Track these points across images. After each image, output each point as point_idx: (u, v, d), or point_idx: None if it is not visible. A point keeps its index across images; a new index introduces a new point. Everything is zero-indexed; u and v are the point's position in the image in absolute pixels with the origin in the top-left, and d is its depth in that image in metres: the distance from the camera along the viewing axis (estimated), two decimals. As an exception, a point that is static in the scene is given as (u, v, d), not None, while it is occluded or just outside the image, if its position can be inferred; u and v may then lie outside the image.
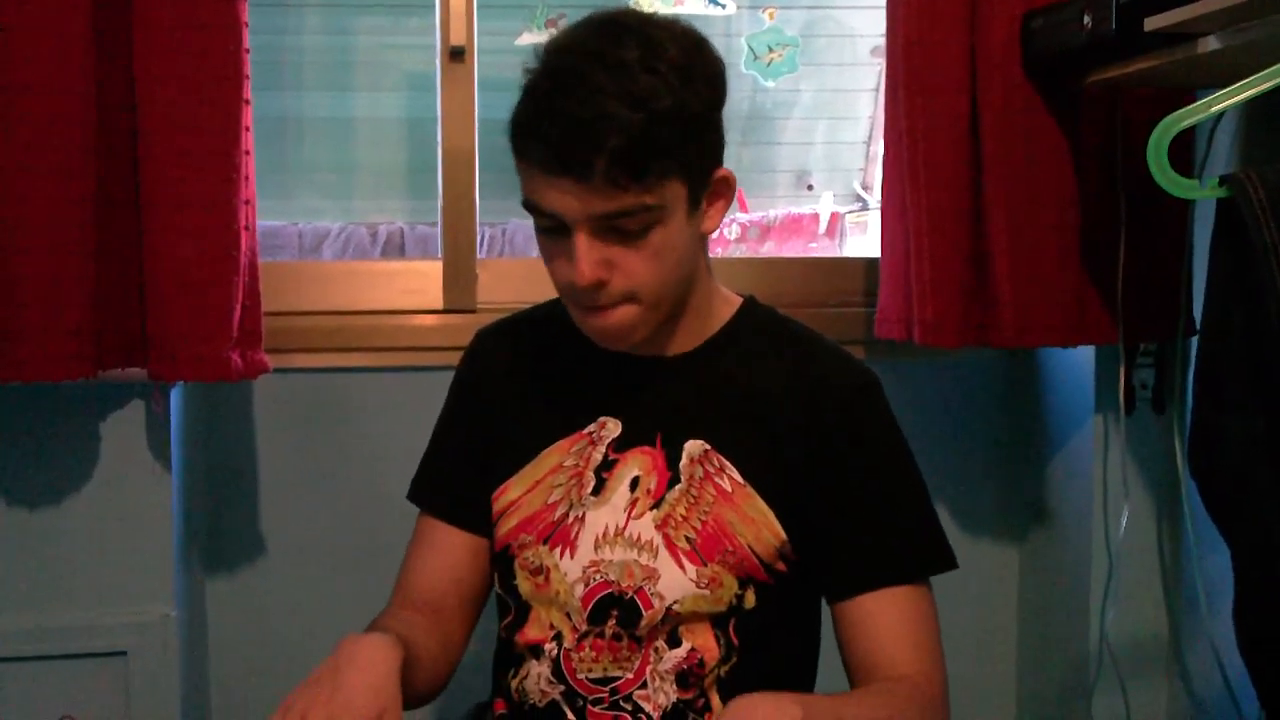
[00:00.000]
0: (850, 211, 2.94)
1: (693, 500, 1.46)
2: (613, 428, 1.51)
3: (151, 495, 2.07)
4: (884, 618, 1.45)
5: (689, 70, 1.35)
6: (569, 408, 1.53)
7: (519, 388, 1.58)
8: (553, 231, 1.37)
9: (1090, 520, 2.19)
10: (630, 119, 1.29)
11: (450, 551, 1.58)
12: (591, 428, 1.52)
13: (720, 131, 1.43)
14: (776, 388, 1.50)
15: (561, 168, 1.31)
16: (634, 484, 1.48)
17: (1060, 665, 2.31)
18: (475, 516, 1.57)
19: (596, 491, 1.49)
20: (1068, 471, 2.28)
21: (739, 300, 1.57)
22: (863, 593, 1.45)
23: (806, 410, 1.48)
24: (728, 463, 1.47)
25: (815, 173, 3.13)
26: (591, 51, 1.33)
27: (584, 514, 1.48)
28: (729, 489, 1.46)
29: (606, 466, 1.50)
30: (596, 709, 1.47)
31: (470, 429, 1.60)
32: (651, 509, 1.47)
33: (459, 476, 1.59)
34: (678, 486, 1.47)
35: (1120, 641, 2.16)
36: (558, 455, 1.52)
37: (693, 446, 1.48)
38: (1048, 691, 2.37)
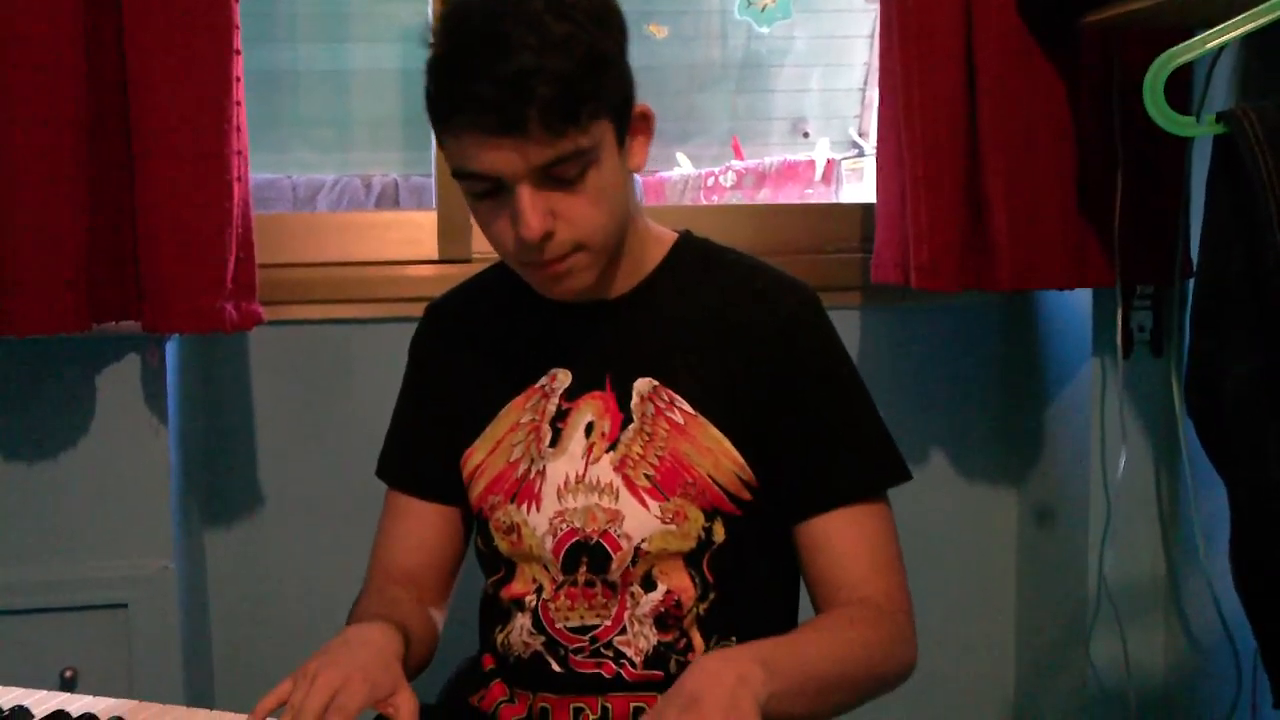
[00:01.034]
0: (846, 158, 2.93)
1: (647, 437, 1.46)
2: (563, 378, 1.51)
3: (148, 448, 2.07)
4: (841, 538, 1.45)
5: (597, 12, 1.36)
6: (520, 365, 1.54)
7: (472, 354, 1.58)
8: (489, 194, 1.37)
9: (1088, 463, 2.19)
10: (555, 67, 1.29)
11: (422, 524, 1.59)
12: (543, 381, 1.52)
13: (627, 65, 1.43)
14: (717, 316, 1.50)
15: (496, 127, 1.30)
16: (589, 429, 1.48)
17: (1058, 607, 2.32)
18: (443, 487, 1.58)
19: (554, 443, 1.49)
20: (1065, 415, 2.28)
21: (673, 236, 1.57)
22: (817, 514, 1.46)
23: (748, 333, 1.48)
24: (677, 396, 1.47)
25: (811, 119, 3.11)
26: (497, 10, 1.32)
27: (544, 467, 1.49)
28: (681, 421, 1.46)
29: (560, 417, 1.50)
30: (579, 658, 1.48)
31: (430, 401, 1.61)
32: (608, 451, 1.47)
33: (423, 450, 1.60)
34: (631, 426, 1.47)
35: (1118, 583, 2.16)
36: (514, 413, 1.53)
37: (641, 384, 1.48)
38: (1046, 633, 2.38)
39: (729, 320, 1.49)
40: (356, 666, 1.28)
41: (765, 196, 2.90)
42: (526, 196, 1.34)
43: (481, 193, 1.37)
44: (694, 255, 1.56)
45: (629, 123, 1.41)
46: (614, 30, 1.39)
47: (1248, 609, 1.58)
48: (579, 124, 1.31)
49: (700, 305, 1.51)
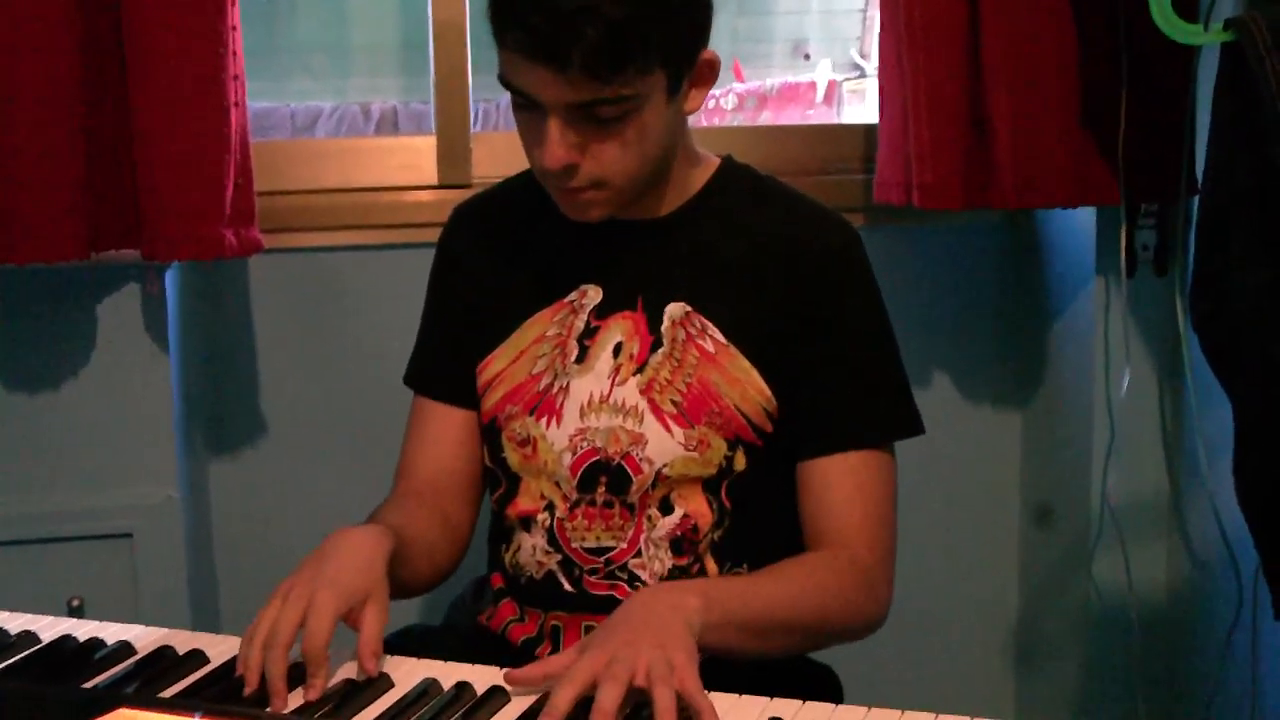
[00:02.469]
0: (848, 79, 2.90)
1: (676, 363, 1.45)
2: (594, 295, 1.50)
3: (150, 377, 2.07)
4: (836, 483, 1.45)
5: None
6: (549, 277, 1.52)
7: (499, 260, 1.57)
8: (528, 109, 1.36)
9: (1091, 383, 2.19)
10: (613, 13, 1.26)
11: (448, 431, 1.58)
12: (573, 296, 1.51)
13: (709, 11, 1.40)
14: (756, 246, 1.48)
15: (539, 56, 1.28)
16: (617, 350, 1.47)
17: (1062, 527, 2.33)
18: (470, 394, 1.56)
19: (580, 359, 1.48)
20: (1069, 335, 2.28)
21: (717, 161, 1.55)
22: (819, 455, 1.45)
23: (786, 268, 1.46)
24: (709, 323, 1.46)
25: (812, 41, 3.08)
26: None
27: (568, 383, 1.48)
28: (712, 350, 1.45)
29: (589, 334, 1.49)
30: (593, 578, 1.48)
31: (455, 306, 1.60)
32: (635, 374, 1.46)
33: (450, 355, 1.59)
34: (660, 350, 1.46)
35: (1121, 503, 2.17)
36: (540, 325, 1.51)
37: (674, 309, 1.47)
38: (1049, 554, 2.39)
39: (767, 251, 1.47)
40: (325, 580, 1.25)
41: (767, 118, 2.88)
42: (555, 127, 1.33)
43: (521, 105, 1.36)
44: (737, 182, 1.54)
45: (691, 70, 1.39)
46: None
47: (1250, 523, 1.59)
48: (624, 73, 1.29)
49: (740, 234, 1.49)
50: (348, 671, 1.24)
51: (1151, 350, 2.19)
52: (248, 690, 1.20)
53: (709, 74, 1.42)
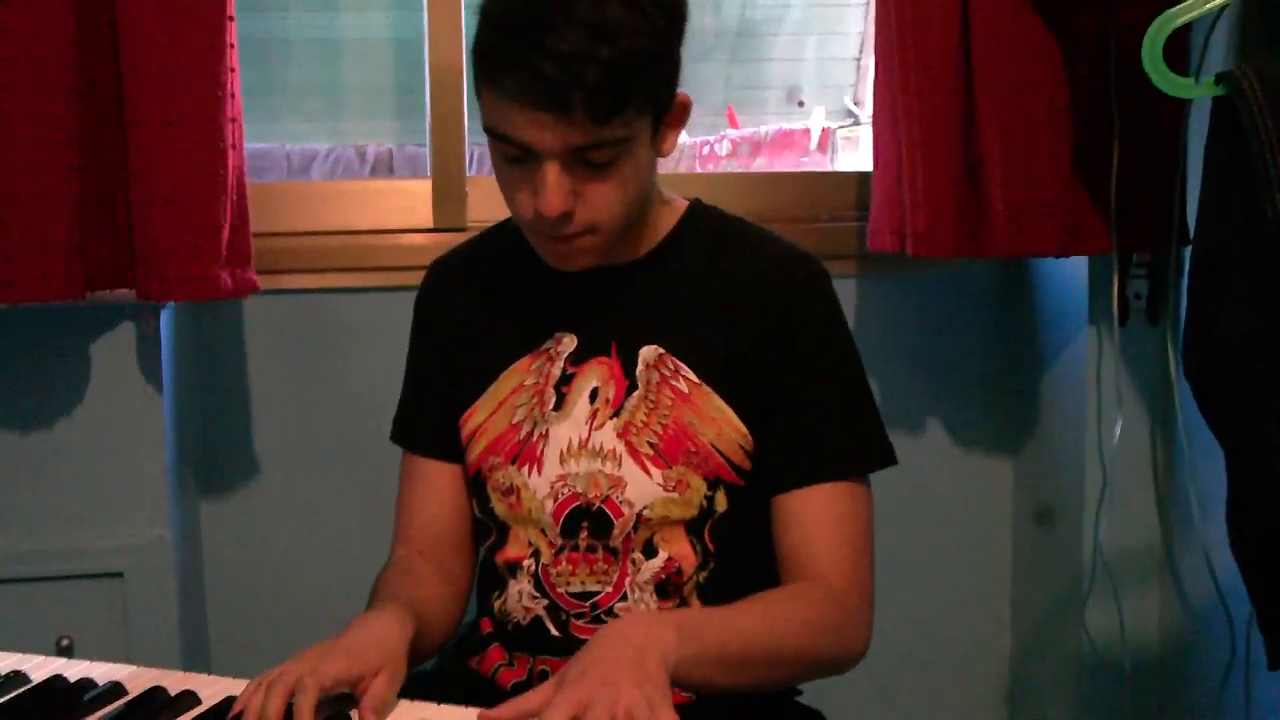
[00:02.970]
0: (841, 126, 2.92)
1: (651, 405, 1.46)
2: (568, 342, 1.51)
3: (144, 417, 2.07)
4: (812, 515, 1.44)
5: (664, 3, 1.34)
6: (525, 326, 1.53)
7: (477, 312, 1.57)
8: (518, 161, 1.35)
9: (1084, 431, 2.20)
10: (612, 57, 1.27)
11: (442, 486, 1.59)
12: (548, 344, 1.51)
13: (679, 57, 1.41)
14: (725, 286, 1.49)
15: (542, 103, 1.28)
16: (593, 395, 1.48)
17: (1054, 574, 2.33)
18: (456, 447, 1.57)
19: (558, 406, 1.49)
20: (1061, 383, 2.29)
21: (684, 204, 1.56)
22: (794, 488, 1.45)
23: (754, 305, 1.47)
24: (682, 365, 1.46)
25: (806, 89, 3.10)
26: None
27: (547, 430, 1.48)
28: (686, 390, 1.46)
29: (565, 381, 1.49)
30: (579, 623, 1.48)
31: (436, 361, 1.60)
32: (612, 418, 1.46)
33: (434, 410, 1.59)
34: (636, 393, 1.47)
35: (1114, 550, 2.17)
36: (518, 375, 1.52)
37: (647, 352, 1.48)
38: (1042, 600, 2.39)
39: (737, 291, 1.48)
40: (341, 646, 1.26)
41: (760, 165, 2.89)
42: (553, 174, 1.33)
43: (510, 157, 1.36)
44: (705, 224, 1.54)
45: (669, 113, 1.40)
46: (676, 21, 1.37)
47: (1244, 572, 1.59)
48: (623, 115, 1.30)
49: (709, 274, 1.50)
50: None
51: (1144, 399, 2.20)
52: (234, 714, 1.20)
53: (682, 115, 1.43)
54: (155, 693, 1.28)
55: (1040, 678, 2.40)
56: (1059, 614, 2.30)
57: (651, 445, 1.45)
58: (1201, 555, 2.02)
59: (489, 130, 1.36)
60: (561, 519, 1.47)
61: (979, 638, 2.46)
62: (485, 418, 1.53)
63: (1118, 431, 2.14)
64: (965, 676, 2.46)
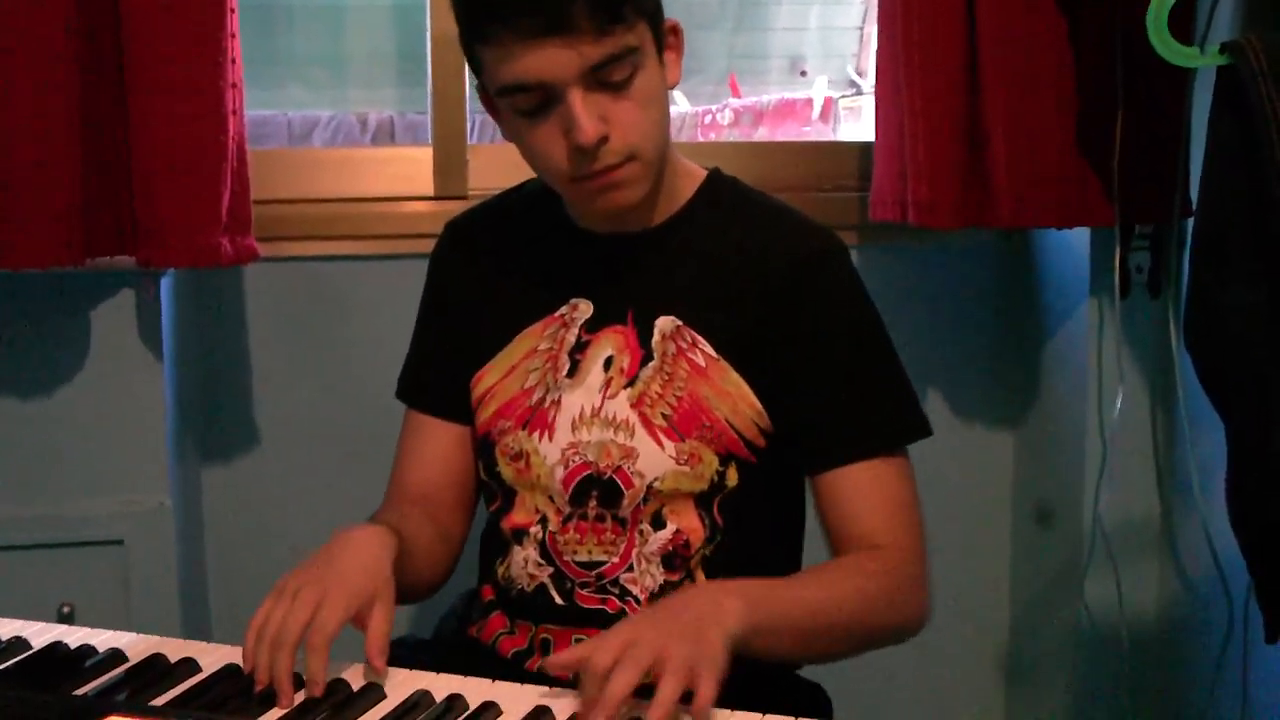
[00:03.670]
0: (844, 96, 2.91)
1: (667, 377, 1.45)
2: (584, 309, 1.50)
3: (144, 384, 2.07)
4: (858, 490, 1.44)
5: None
6: (540, 291, 1.52)
7: (491, 275, 1.57)
8: (538, 110, 1.35)
9: (1084, 404, 2.19)
10: None
11: (440, 444, 1.59)
12: (563, 310, 1.51)
13: None
14: (744, 258, 1.48)
15: (543, 28, 1.29)
16: (607, 363, 1.48)
17: (1053, 548, 2.33)
18: (461, 407, 1.57)
19: (571, 373, 1.48)
20: (1062, 355, 2.28)
21: (703, 173, 1.55)
22: (837, 466, 1.45)
23: (775, 280, 1.46)
24: (700, 337, 1.46)
25: (809, 58, 3.09)
26: None
27: (560, 396, 1.48)
28: (703, 364, 1.45)
29: (580, 348, 1.49)
30: (584, 592, 1.48)
31: (447, 320, 1.60)
32: (626, 388, 1.46)
33: (442, 369, 1.59)
34: (651, 364, 1.46)
35: (1113, 524, 2.17)
36: (532, 339, 1.51)
37: (664, 323, 1.47)
38: (1041, 575, 2.39)
39: (755, 264, 1.47)
40: (335, 578, 1.26)
41: (763, 134, 2.89)
42: (579, 100, 1.32)
43: (529, 109, 1.35)
44: (724, 194, 1.54)
45: (663, 34, 1.40)
46: None
47: (1243, 545, 1.59)
48: (625, 20, 1.31)
49: (728, 246, 1.49)
50: (344, 673, 1.25)
51: (1144, 371, 2.19)
52: (258, 689, 1.20)
53: (676, 40, 1.44)
54: (155, 660, 1.29)
55: (1039, 651, 2.41)
56: (1058, 587, 2.30)
57: (665, 417, 1.45)
58: (1201, 529, 2.02)
59: (501, 89, 1.35)
60: (571, 487, 1.47)
61: (978, 611, 2.46)
62: (497, 380, 1.52)
63: (1118, 404, 2.14)
64: (964, 650, 2.47)
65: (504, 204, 1.62)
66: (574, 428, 1.47)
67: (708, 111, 2.91)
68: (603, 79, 1.33)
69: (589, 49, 1.30)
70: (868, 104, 2.55)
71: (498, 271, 1.57)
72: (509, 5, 1.29)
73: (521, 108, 1.36)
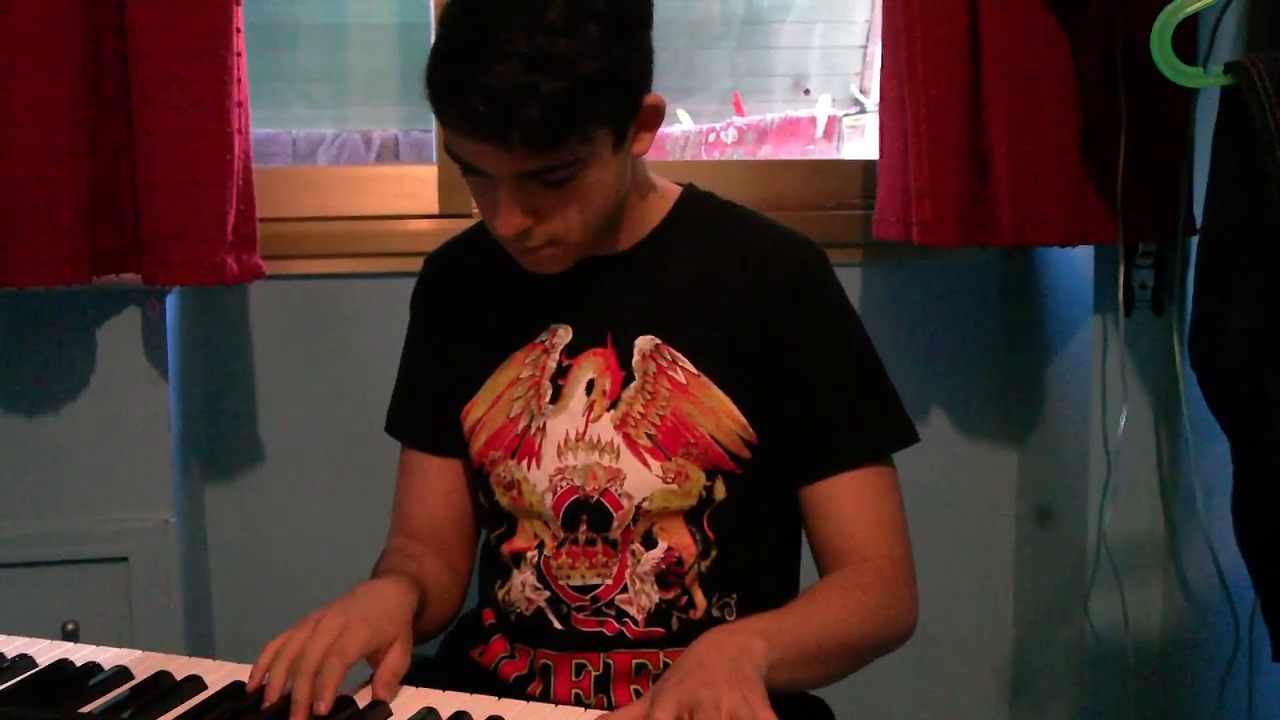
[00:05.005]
0: (847, 114, 2.91)
1: (649, 396, 1.45)
2: (564, 334, 1.50)
3: (149, 401, 2.07)
4: (845, 501, 1.44)
5: (617, 16, 1.30)
6: (520, 320, 1.52)
7: (472, 307, 1.57)
8: (475, 175, 1.35)
9: (1088, 421, 2.20)
10: (550, 89, 1.25)
11: (439, 480, 1.60)
12: (544, 336, 1.51)
13: (649, 53, 1.38)
14: (720, 273, 1.48)
15: (478, 135, 1.27)
16: (589, 387, 1.47)
17: (1058, 564, 2.33)
18: (453, 441, 1.57)
19: (554, 399, 1.48)
20: (1066, 373, 2.28)
21: (677, 190, 1.54)
22: (824, 478, 1.45)
23: (752, 291, 1.46)
24: (679, 354, 1.46)
25: (813, 76, 3.09)
26: (505, 7, 1.26)
27: (545, 423, 1.48)
28: (684, 381, 1.45)
29: (561, 373, 1.49)
30: (581, 616, 1.48)
31: (431, 354, 1.60)
32: (609, 410, 1.46)
33: (431, 405, 1.59)
34: (633, 384, 1.46)
35: (1117, 540, 2.17)
36: (514, 368, 1.51)
37: (643, 342, 1.47)
38: (1045, 590, 2.39)
39: (732, 278, 1.47)
40: (359, 615, 1.28)
41: (767, 153, 2.89)
42: (505, 196, 1.33)
43: (468, 172, 1.35)
44: (698, 211, 1.54)
45: (636, 118, 1.37)
46: (632, 30, 1.33)
47: (1249, 562, 1.59)
48: (567, 143, 1.28)
49: (703, 262, 1.49)
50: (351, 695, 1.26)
51: (1148, 389, 2.19)
52: (266, 704, 1.21)
53: (655, 117, 1.40)
54: (160, 677, 1.29)
55: (1043, 667, 2.41)
56: (1062, 604, 2.30)
57: (650, 437, 1.45)
58: (1205, 545, 2.02)
59: (448, 149, 1.34)
60: (562, 512, 1.47)
61: (982, 627, 2.46)
62: (484, 411, 1.53)
63: (1122, 421, 2.14)
64: (968, 666, 2.47)
65: (479, 235, 1.60)
66: (560, 453, 1.47)
67: (711, 130, 2.91)
68: (539, 179, 1.31)
69: (523, 161, 1.29)
70: (871, 122, 2.55)
71: (477, 303, 1.57)
72: (452, 98, 1.27)
73: (462, 170, 1.36)
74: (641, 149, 1.41)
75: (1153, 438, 2.21)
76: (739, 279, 1.47)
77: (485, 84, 1.24)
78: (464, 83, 1.26)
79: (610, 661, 1.47)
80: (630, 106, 1.36)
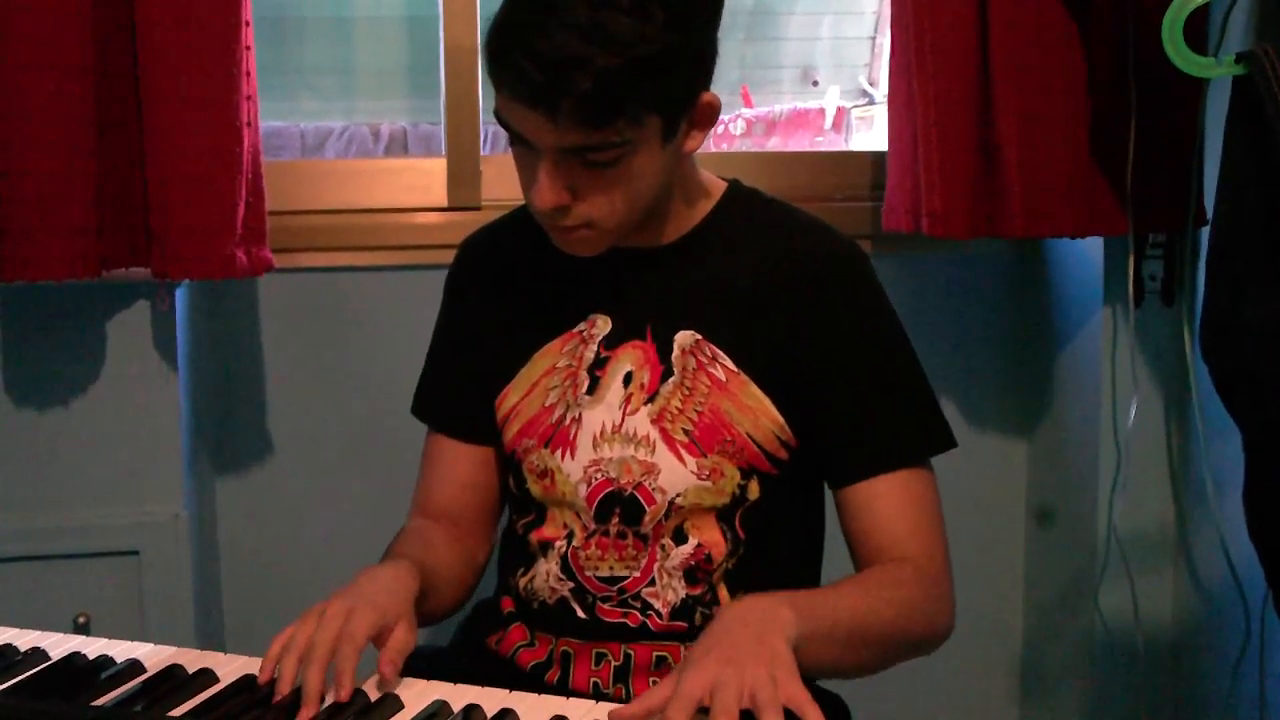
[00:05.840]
0: (856, 106, 2.91)
1: (687, 392, 1.45)
2: (602, 324, 1.49)
3: (159, 395, 2.07)
4: (885, 502, 1.44)
5: (684, 6, 1.30)
6: (558, 308, 1.52)
7: (509, 292, 1.56)
8: (523, 144, 1.35)
9: (1099, 412, 2.19)
10: (605, 65, 1.24)
11: (461, 465, 1.59)
12: (582, 326, 1.50)
13: (712, 53, 1.38)
14: (763, 271, 1.47)
15: (529, 102, 1.27)
16: (627, 379, 1.47)
17: (1068, 557, 2.33)
18: (480, 428, 1.57)
19: (591, 390, 1.48)
20: (1076, 364, 2.28)
21: (723, 185, 1.54)
22: (864, 479, 1.44)
23: (794, 291, 1.45)
24: (720, 351, 1.45)
25: (821, 68, 3.09)
26: None
27: (580, 414, 1.47)
28: (723, 378, 1.45)
29: (599, 364, 1.48)
30: (606, 606, 1.47)
31: (465, 339, 1.60)
32: (646, 404, 1.45)
33: (459, 390, 1.59)
34: (671, 379, 1.45)
35: (1128, 532, 2.17)
36: (551, 357, 1.51)
37: (683, 338, 1.46)
38: (1055, 583, 2.39)
39: (774, 276, 1.46)
40: (362, 599, 1.28)
41: (775, 144, 2.88)
42: (546, 169, 1.32)
43: (514, 140, 1.35)
44: (743, 207, 1.53)
45: (689, 114, 1.37)
46: (700, 20, 1.34)
47: (1261, 554, 1.59)
48: (615, 123, 1.28)
49: (746, 259, 1.48)
50: (362, 686, 1.25)
51: (1159, 380, 2.19)
52: (277, 698, 1.21)
53: (709, 116, 1.40)
54: (173, 671, 1.29)
55: (1053, 660, 2.40)
56: (1072, 596, 2.30)
57: (686, 433, 1.44)
58: (1216, 537, 2.02)
59: (497, 115, 1.35)
60: (595, 504, 1.47)
61: (992, 619, 2.46)
62: (519, 399, 1.52)
63: (1132, 413, 2.14)
64: (978, 658, 2.46)
65: (518, 220, 1.59)
66: (595, 445, 1.46)
67: (720, 121, 2.92)
68: (579, 158, 1.31)
69: (565, 135, 1.28)
70: (880, 114, 2.55)
71: (514, 289, 1.56)
72: (508, 63, 1.28)
73: (509, 137, 1.36)
74: (693, 147, 1.41)
75: (1163, 429, 2.21)
76: (782, 277, 1.46)
77: (541, 50, 1.25)
78: (521, 47, 1.26)
79: (631, 652, 1.47)
80: (685, 99, 1.35)
